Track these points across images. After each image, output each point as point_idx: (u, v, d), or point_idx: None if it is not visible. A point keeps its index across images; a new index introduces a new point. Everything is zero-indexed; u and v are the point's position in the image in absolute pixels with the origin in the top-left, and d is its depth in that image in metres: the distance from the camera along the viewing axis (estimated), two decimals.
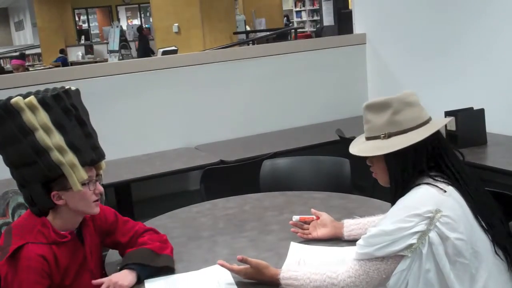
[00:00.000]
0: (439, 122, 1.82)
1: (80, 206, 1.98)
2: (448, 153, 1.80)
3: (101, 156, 2.04)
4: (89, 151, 1.97)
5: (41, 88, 3.83)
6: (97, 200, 2.02)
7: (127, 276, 1.98)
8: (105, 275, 2.10)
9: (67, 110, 1.93)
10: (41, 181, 1.91)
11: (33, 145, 1.88)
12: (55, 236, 1.95)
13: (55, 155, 1.88)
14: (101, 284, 1.94)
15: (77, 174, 1.91)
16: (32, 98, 1.88)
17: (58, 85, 3.43)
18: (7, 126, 1.88)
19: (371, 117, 1.83)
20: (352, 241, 2.04)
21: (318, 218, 2.26)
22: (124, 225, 2.20)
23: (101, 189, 2.03)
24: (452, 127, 3.49)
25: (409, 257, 1.67)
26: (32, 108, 1.88)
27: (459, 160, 1.82)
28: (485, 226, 1.72)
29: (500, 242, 1.73)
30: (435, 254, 1.66)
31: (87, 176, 1.94)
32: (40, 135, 1.88)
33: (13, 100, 1.87)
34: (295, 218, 2.28)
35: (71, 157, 1.90)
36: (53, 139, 1.89)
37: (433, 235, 1.66)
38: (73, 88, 2.03)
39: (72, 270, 2.00)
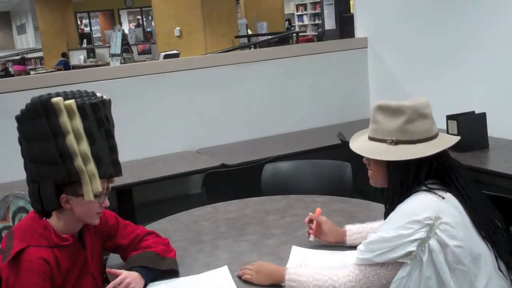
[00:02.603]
0: (448, 140, 1.80)
1: (84, 214, 1.99)
2: (453, 169, 1.79)
3: (119, 172, 2.05)
4: (110, 165, 1.99)
5: (43, 91, 3.85)
6: (99, 213, 2.03)
7: (137, 278, 1.98)
8: (106, 279, 2.10)
9: (101, 121, 1.96)
10: (56, 182, 1.91)
11: (61, 148, 1.89)
12: (56, 239, 1.96)
13: (79, 161, 1.89)
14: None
15: (94, 185, 1.93)
16: (72, 103, 1.89)
17: (60, 89, 3.46)
18: (41, 122, 1.89)
19: (382, 119, 1.81)
20: (354, 246, 2.04)
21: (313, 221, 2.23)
22: (124, 229, 2.21)
23: (108, 203, 2.04)
24: (454, 131, 3.49)
25: (409, 264, 1.67)
26: (70, 112, 1.90)
27: (464, 175, 1.81)
28: (484, 235, 1.72)
29: (501, 254, 1.73)
30: (435, 262, 1.65)
31: (101, 188, 1.95)
32: (70, 139, 1.89)
33: (54, 100, 1.88)
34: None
35: (92, 167, 1.92)
36: (81, 146, 1.90)
37: (433, 242, 1.65)
38: (106, 98, 2.05)
39: (73, 273, 2.01)
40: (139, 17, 22.45)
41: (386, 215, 1.81)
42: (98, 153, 1.94)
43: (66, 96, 1.94)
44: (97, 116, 1.95)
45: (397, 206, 1.75)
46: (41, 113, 1.89)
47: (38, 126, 1.90)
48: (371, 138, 1.85)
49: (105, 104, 2.00)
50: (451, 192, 1.74)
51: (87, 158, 1.91)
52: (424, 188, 1.74)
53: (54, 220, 2.00)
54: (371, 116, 1.86)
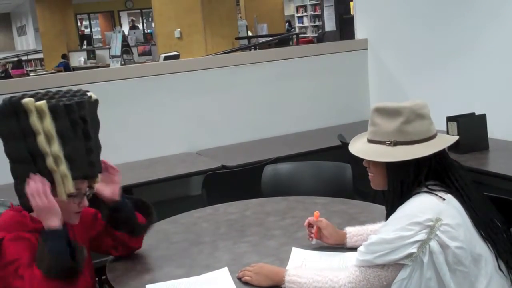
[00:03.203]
0: (447, 140, 1.81)
1: (62, 213, 1.97)
2: (452, 169, 1.79)
3: (95, 174, 2.05)
4: (84, 166, 1.99)
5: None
6: (78, 213, 2.04)
7: None
8: (105, 280, 2.09)
9: (75, 122, 1.95)
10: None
11: (32, 147, 1.90)
12: (33, 224, 1.96)
13: (50, 162, 1.90)
14: None
15: (66, 185, 1.93)
16: (43, 104, 1.89)
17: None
18: (13, 122, 1.91)
19: (380, 121, 1.81)
20: (354, 248, 2.04)
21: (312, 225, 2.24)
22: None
23: (86, 203, 2.05)
24: (454, 132, 3.49)
25: (410, 265, 1.67)
26: (40, 112, 1.89)
27: (464, 175, 1.81)
28: (484, 235, 1.72)
29: (501, 253, 1.73)
30: (435, 263, 1.65)
31: (74, 190, 1.95)
32: (41, 140, 1.89)
33: (24, 100, 1.89)
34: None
35: (64, 168, 1.92)
36: (52, 147, 1.90)
37: (433, 244, 1.65)
38: (94, 97, 2.05)
39: None
40: (133, 18, 22.42)
41: (387, 217, 1.81)
42: (72, 154, 1.94)
43: (42, 96, 1.95)
44: (71, 117, 1.94)
45: (397, 208, 1.75)
46: (11, 113, 1.90)
47: (10, 125, 1.92)
48: (370, 141, 1.85)
49: (83, 105, 1.97)
50: (451, 193, 1.74)
51: (58, 159, 1.91)
52: (424, 189, 1.74)
53: (34, 216, 2.01)
54: (369, 118, 1.86)
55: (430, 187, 1.74)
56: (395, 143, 1.78)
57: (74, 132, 1.95)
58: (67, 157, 1.92)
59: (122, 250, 2.27)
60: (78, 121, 1.95)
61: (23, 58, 17.83)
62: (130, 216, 2.22)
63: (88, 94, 2.05)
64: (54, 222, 1.87)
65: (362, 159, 1.85)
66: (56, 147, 1.90)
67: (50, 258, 1.81)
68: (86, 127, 1.98)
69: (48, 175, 1.91)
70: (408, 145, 1.77)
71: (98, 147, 2.09)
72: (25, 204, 1.95)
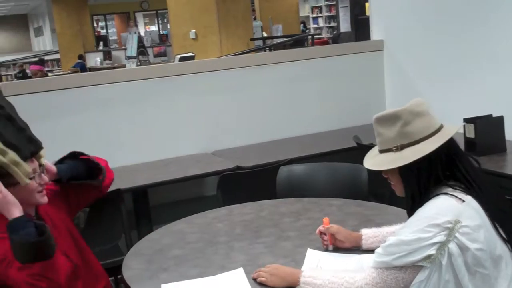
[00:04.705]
0: (451, 130, 1.81)
1: (28, 197, 2.06)
2: (462, 161, 1.79)
3: (38, 146, 2.12)
4: (26, 144, 2.04)
5: (59, 92, 3.88)
6: (41, 191, 2.11)
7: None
8: (121, 279, 2.11)
9: None
10: None
11: None
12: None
13: None
14: None
15: (22, 169, 1.99)
16: None
17: (77, 91, 3.47)
18: None
19: (382, 130, 1.83)
20: (370, 250, 2.03)
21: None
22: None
23: (46, 179, 2.13)
24: (471, 134, 3.46)
25: (428, 267, 1.66)
26: None
27: (474, 167, 1.81)
28: (504, 236, 1.71)
29: None
30: (454, 265, 1.65)
31: (31, 169, 2.02)
32: None
33: None
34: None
35: (11, 155, 1.97)
36: None
37: (452, 246, 1.65)
38: None
39: None
40: (150, 20, 22.53)
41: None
42: (10, 140, 1.99)
43: None
44: None
45: (416, 210, 1.75)
46: None
47: None
48: (380, 151, 1.86)
49: None
50: (470, 194, 1.73)
51: (1, 151, 1.96)
52: (444, 190, 1.73)
53: None
54: (374, 131, 1.87)
55: (450, 187, 1.73)
56: (401, 147, 1.79)
57: None
58: (7, 144, 1.97)
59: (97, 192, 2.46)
60: None
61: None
62: (76, 168, 2.36)
63: None
64: (15, 213, 1.91)
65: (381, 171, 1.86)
66: None
67: (21, 245, 1.85)
68: (4, 111, 2.03)
69: (1, 169, 1.96)
70: (414, 145, 1.77)
71: (25, 124, 2.14)
72: None
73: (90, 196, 2.49)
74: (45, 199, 2.13)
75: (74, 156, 2.43)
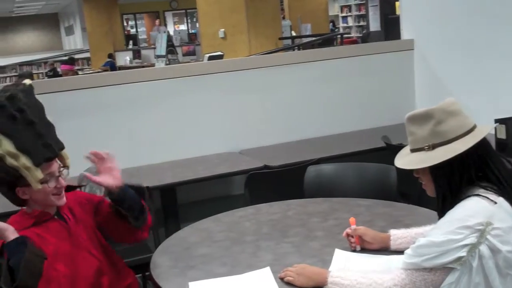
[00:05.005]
0: (484, 130, 1.78)
1: (43, 199, 2.08)
2: (495, 161, 1.76)
3: (54, 153, 2.10)
4: (41, 150, 2.04)
5: (89, 91, 3.93)
6: (58, 194, 2.10)
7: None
8: (149, 276, 2.12)
9: (12, 116, 2.00)
10: (3, 179, 2.03)
11: None
12: (28, 220, 2.06)
13: (9, 160, 1.97)
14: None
15: (32, 175, 2.00)
16: None
17: (106, 89, 3.49)
18: None
19: (414, 129, 1.81)
20: (398, 251, 2.02)
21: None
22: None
23: (63, 183, 2.12)
24: (502, 135, 3.41)
25: (458, 269, 1.65)
26: None
27: (507, 168, 1.78)
28: None
29: None
30: (485, 268, 1.62)
31: (42, 175, 2.02)
32: None
33: None
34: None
35: (23, 160, 1.98)
36: (3, 147, 1.97)
37: (483, 248, 1.62)
38: (28, 82, 2.12)
39: (63, 249, 2.08)
40: (183, 18, 22.63)
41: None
42: (23, 145, 1.99)
43: None
44: (6, 113, 1.99)
45: (447, 212, 1.72)
46: None
47: None
48: (412, 150, 1.84)
49: (14, 98, 2.02)
50: (503, 195, 1.70)
51: (14, 155, 1.97)
52: (476, 191, 1.71)
53: (27, 209, 2.12)
54: (406, 130, 1.85)
55: (482, 188, 1.71)
56: (433, 146, 1.77)
57: (15, 125, 2.00)
58: (20, 149, 1.98)
59: (129, 238, 2.34)
60: (14, 113, 2.00)
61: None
62: (134, 198, 2.24)
63: (25, 83, 2.11)
64: (10, 237, 1.88)
65: (411, 169, 1.84)
66: (6, 146, 1.97)
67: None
68: (24, 115, 2.03)
69: (14, 172, 1.99)
70: (446, 144, 1.75)
71: (48, 127, 2.13)
72: (15, 201, 2.09)
73: (117, 230, 2.34)
74: (62, 201, 2.14)
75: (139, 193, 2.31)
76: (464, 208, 1.69)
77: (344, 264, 2.05)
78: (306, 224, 2.53)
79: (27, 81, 2.14)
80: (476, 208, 1.67)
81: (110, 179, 2.17)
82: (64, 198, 2.15)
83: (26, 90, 2.10)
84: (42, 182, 2.03)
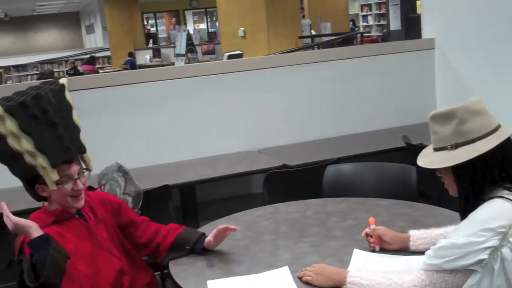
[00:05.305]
0: (508, 130, 1.76)
1: (60, 199, 2.10)
2: None
3: (73, 157, 2.11)
4: (59, 153, 2.05)
5: (110, 89, 3.96)
6: (75, 196, 2.11)
7: None
8: (168, 273, 2.13)
9: (34, 116, 2.02)
10: (22, 177, 2.08)
11: (7, 150, 2.00)
12: (50, 218, 2.09)
13: (28, 158, 2.00)
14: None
15: (49, 175, 2.02)
16: None
17: (126, 88, 3.50)
18: None
19: (437, 128, 1.79)
20: (417, 252, 2.00)
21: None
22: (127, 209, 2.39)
23: (80, 186, 2.12)
24: None
25: (479, 272, 1.63)
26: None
27: None
28: None
29: None
30: (507, 271, 1.60)
31: (58, 177, 2.04)
32: (10, 141, 1.99)
33: None
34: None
35: (41, 160, 2.01)
36: (22, 144, 1.99)
37: (506, 251, 1.61)
38: (60, 83, 2.13)
39: (84, 248, 2.10)
40: (201, 17, 22.68)
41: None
42: (42, 145, 2.01)
43: (2, 101, 2.02)
44: (29, 112, 2.01)
45: (470, 213, 1.71)
46: None
47: None
48: (435, 149, 1.83)
49: (39, 98, 2.03)
50: None
51: (32, 153, 2.00)
52: (499, 193, 1.69)
53: (49, 206, 2.15)
54: (429, 129, 1.83)
55: (505, 190, 1.69)
56: (456, 146, 1.75)
57: (37, 125, 2.02)
58: (39, 149, 2.00)
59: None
60: (37, 113, 2.02)
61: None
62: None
63: (59, 81, 2.13)
64: (34, 234, 1.91)
65: (433, 169, 1.82)
66: (25, 144, 1.99)
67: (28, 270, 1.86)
68: (48, 116, 2.04)
69: (32, 169, 2.02)
70: (469, 144, 1.73)
71: (72, 129, 2.14)
72: (35, 197, 2.13)
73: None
74: (79, 204, 2.15)
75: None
76: (487, 210, 1.68)
77: (363, 264, 2.05)
78: (324, 224, 2.52)
79: (62, 80, 2.15)
80: (499, 210, 1.65)
81: (214, 243, 2.28)
82: (82, 201, 2.15)
83: (56, 90, 2.11)
84: (58, 183, 2.05)
